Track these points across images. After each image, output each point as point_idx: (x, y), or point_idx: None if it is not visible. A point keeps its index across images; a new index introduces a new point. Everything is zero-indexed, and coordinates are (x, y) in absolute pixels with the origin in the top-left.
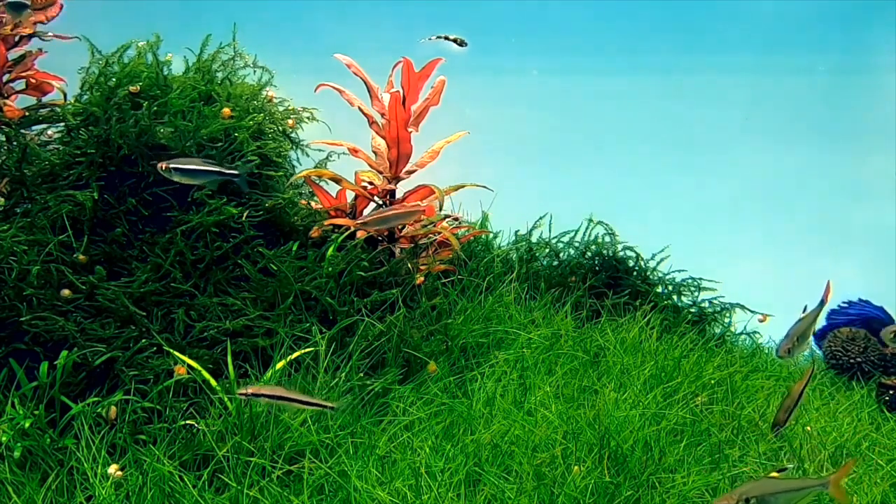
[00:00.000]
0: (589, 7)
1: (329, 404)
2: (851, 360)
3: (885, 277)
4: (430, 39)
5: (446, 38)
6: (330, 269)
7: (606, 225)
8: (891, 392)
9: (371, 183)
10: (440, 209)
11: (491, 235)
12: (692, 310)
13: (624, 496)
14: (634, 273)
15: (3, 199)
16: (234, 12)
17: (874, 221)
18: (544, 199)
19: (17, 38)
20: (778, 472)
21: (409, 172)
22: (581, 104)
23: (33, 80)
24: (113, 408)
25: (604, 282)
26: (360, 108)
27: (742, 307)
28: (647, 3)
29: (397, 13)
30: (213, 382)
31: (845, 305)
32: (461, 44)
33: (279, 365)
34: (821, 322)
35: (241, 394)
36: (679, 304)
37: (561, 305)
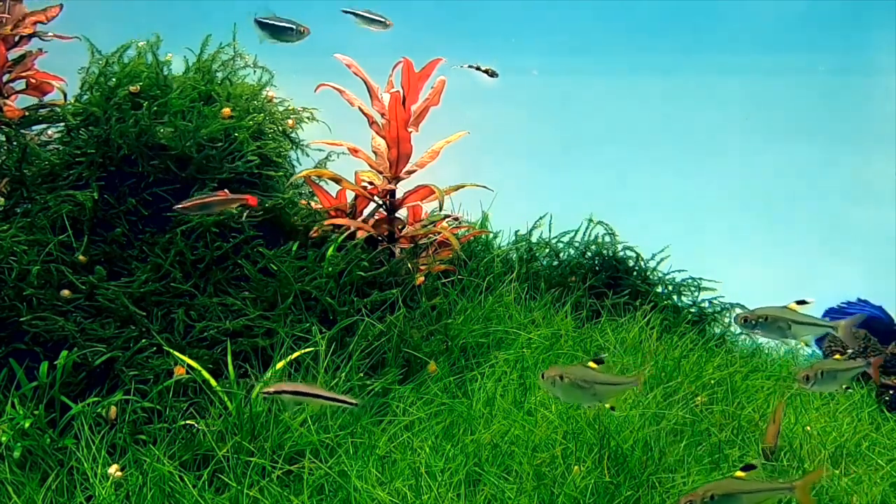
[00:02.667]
0: (589, 7)
1: (352, 401)
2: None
3: (885, 277)
4: (461, 67)
5: (478, 69)
6: (330, 269)
7: (606, 225)
8: (891, 392)
9: (371, 183)
10: (440, 209)
11: (491, 235)
12: (692, 310)
13: (624, 496)
14: (634, 273)
15: (3, 199)
16: (234, 12)
17: (874, 222)
18: (544, 199)
19: (17, 38)
20: (743, 470)
21: (409, 172)
22: (581, 104)
23: (33, 80)
24: (113, 408)
25: (604, 282)
26: (360, 108)
27: (742, 307)
28: (647, 4)
29: (397, 13)
30: (213, 382)
31: (844, 305)
32: (492, 74)
33: (279, 365)
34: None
35: (264, 393)
36: (679, 304)
37: (561, 305)
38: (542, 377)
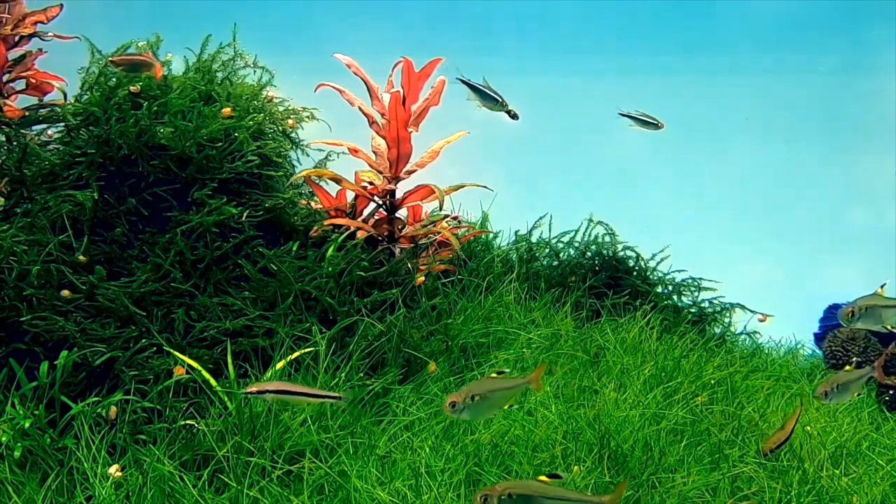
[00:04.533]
0: (589, 7)
1: (334, 395)
2: (851, 361)
3: (885, 277)
4: (478, 107)
5: (502, 108)
6: (330, 269)
7: (606, 225)
8: (891, 392)
9: (371, 183)
10: (440, 209)
11: (491, 235)
12: (692, 310)
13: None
14: (634, 273)
15: (3, 199)
16: (234, 12)
17: (874, 221)
18: (544, 199)
19: (17, 38)
20: (549, 476)
21: (409, 172)
22: (581, 104)
23: (33, 80)
24: (113, 408)
25: (604, 282)
26: (360, 108)
27: (742, 307)
28: (647, 4)
29: (397, 13)
30: (213, 382)
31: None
32: (514, 116)
33: (279, 365)
34: (818, 315)
35: (246, 392)
36: (679, 304)
37: (561, 305)
38: (449, 405)
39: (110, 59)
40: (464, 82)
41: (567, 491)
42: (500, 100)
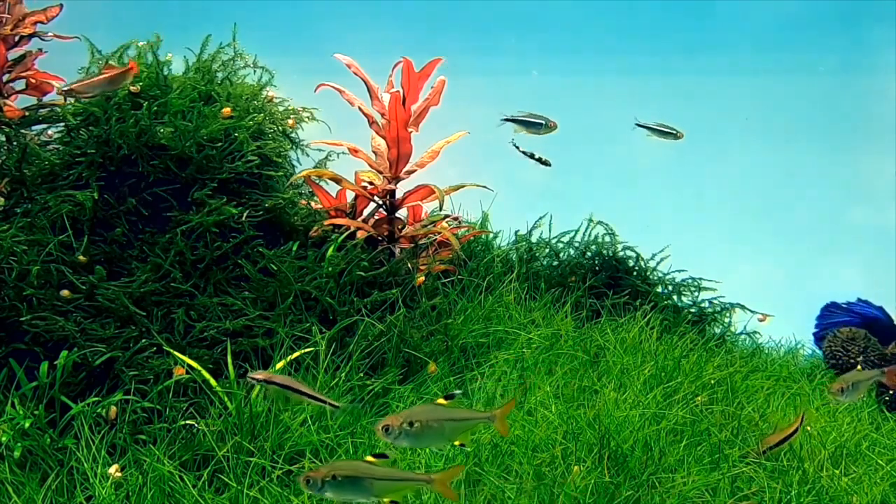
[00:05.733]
0: (589, 7)
1: (334, 403)
2: (851, 360)
3: (885, 277)
4: (517, 147)
5: (531, 157)
6: (330, 269)
7: (606, 225)
8: (891, 392)
9: (371, 183)
10: (440, 209)
11: (491, 235)
12: (692, 310)
13: (624, 496)
14: (634, 273)
15: (3, 199)
16: (234, 13)
17: (874, 222)
18: (544, 199)
19: (17, 38)
20: (375, 456)
21: (409, 172)
22: (581, 104)
23: (33, 80)
24: (113, 408)
25: (604, 282)
26: (360, 108)
27: (742, 307)
28: (647, 4)
29: (397, 13)
30: (213, 382)
31: (845, 306)
32: (545, 164)
33: (279, 365)
34: (816, 313)
35: (252, 378)
36: (679, 304)
37: (561, 305)
38: (381, 429)
39: (71, 89)
40: (508, 120)
41: (394, 470)
42: (545, 121)
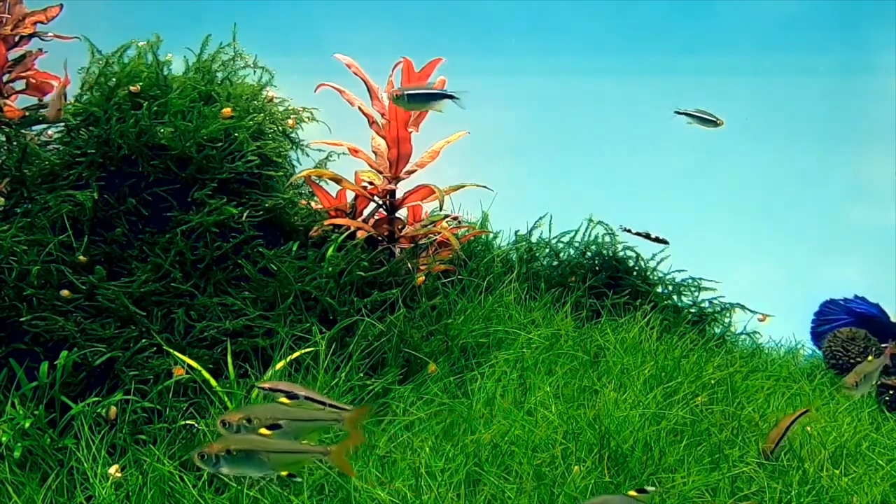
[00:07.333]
0: (588, 7)
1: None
2: (851, 360)
3: (885, 277)
4: (630, 231)
5: (647, 236)
6: (330, 269)
7: (606, 225)
8: (891, 392)
9: (371, 183)
10: (440, 209)
11: (491, 235)
12: (692, 310)
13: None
14: (634, 273)
15: (3, 199)
16: (234, 13)
17: (874, 221)
18: (544, 199)
19: (17, 38)
20: (268, 428)
21: (409, 172)
22: (581, 104)
23: (33, 80)
24: (113, 408)
25: (604, 282)
26: (360, 108)
27: (742, 307)
28: (647, 4)
29: (397, 13)
30: (213, 382)
31: (842, 302)
32: (664, 242)
33: (279, 365)
34: (814, 310)
35: (259, 387)
36: (679, 304)
37: (561, 305)
38: (220, 424)
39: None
40: (680, 113)
41: (289, 443)
42: (715, 118)
